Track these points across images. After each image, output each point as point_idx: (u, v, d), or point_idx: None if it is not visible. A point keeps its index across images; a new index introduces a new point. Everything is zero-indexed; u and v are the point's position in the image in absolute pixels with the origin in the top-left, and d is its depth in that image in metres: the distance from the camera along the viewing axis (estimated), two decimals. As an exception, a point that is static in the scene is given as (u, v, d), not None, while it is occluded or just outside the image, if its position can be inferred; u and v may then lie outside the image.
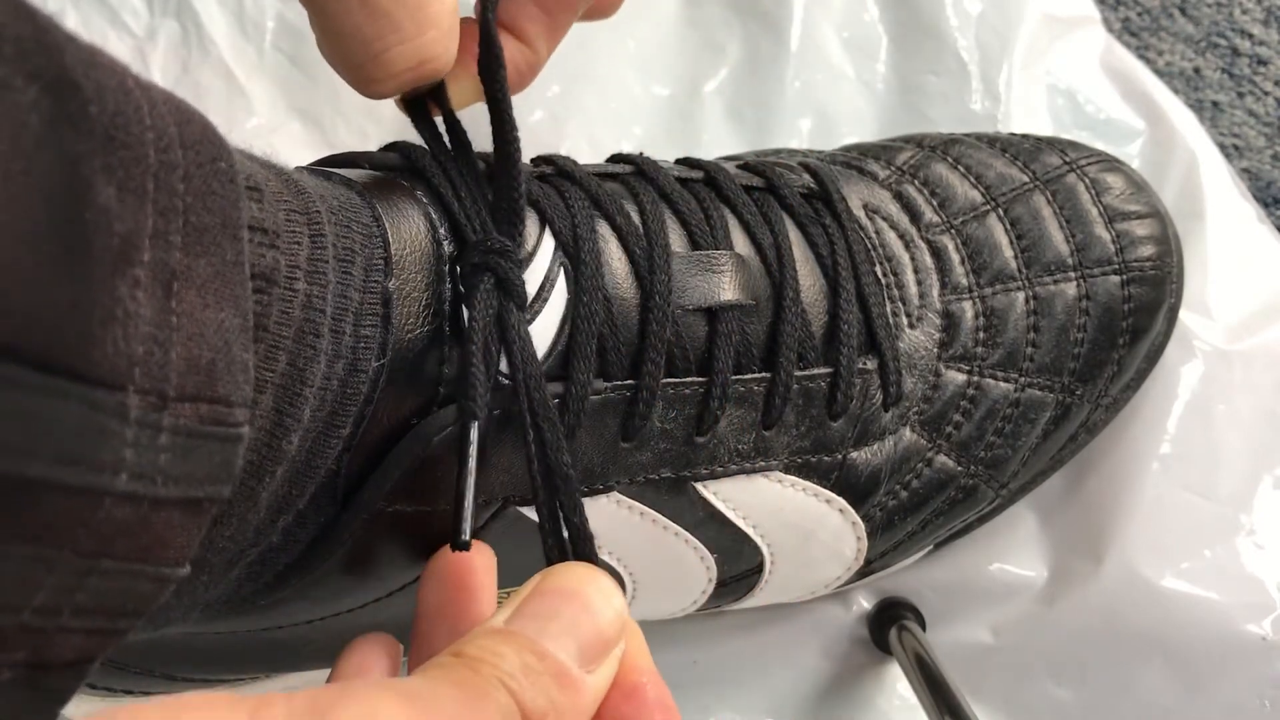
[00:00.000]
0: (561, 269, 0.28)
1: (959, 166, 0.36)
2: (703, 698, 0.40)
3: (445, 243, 0.27)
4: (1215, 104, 0.53)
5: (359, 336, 0.25)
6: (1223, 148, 0.47)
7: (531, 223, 0.29)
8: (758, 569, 0.34)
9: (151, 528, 0.18)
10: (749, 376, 0.31)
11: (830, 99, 0.45)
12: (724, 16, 0.46)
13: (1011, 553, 0.40)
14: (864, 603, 0.40)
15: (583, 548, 0.25)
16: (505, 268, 0.26)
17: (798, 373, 0.31)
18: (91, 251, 0.17)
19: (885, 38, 0.46)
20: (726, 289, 0.30)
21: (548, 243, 0.28)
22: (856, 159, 0.37)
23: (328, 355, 0.24)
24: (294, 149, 0.44)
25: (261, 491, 0.23)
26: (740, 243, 0.31)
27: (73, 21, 0.43)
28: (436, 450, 0.26)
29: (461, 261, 0.26)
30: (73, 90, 0.17)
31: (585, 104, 0.45)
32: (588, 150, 0.44)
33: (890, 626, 0.39)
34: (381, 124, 0.44)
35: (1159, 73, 0.46)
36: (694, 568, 0.33)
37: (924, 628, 0.39)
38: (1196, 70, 0.53)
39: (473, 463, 0.25)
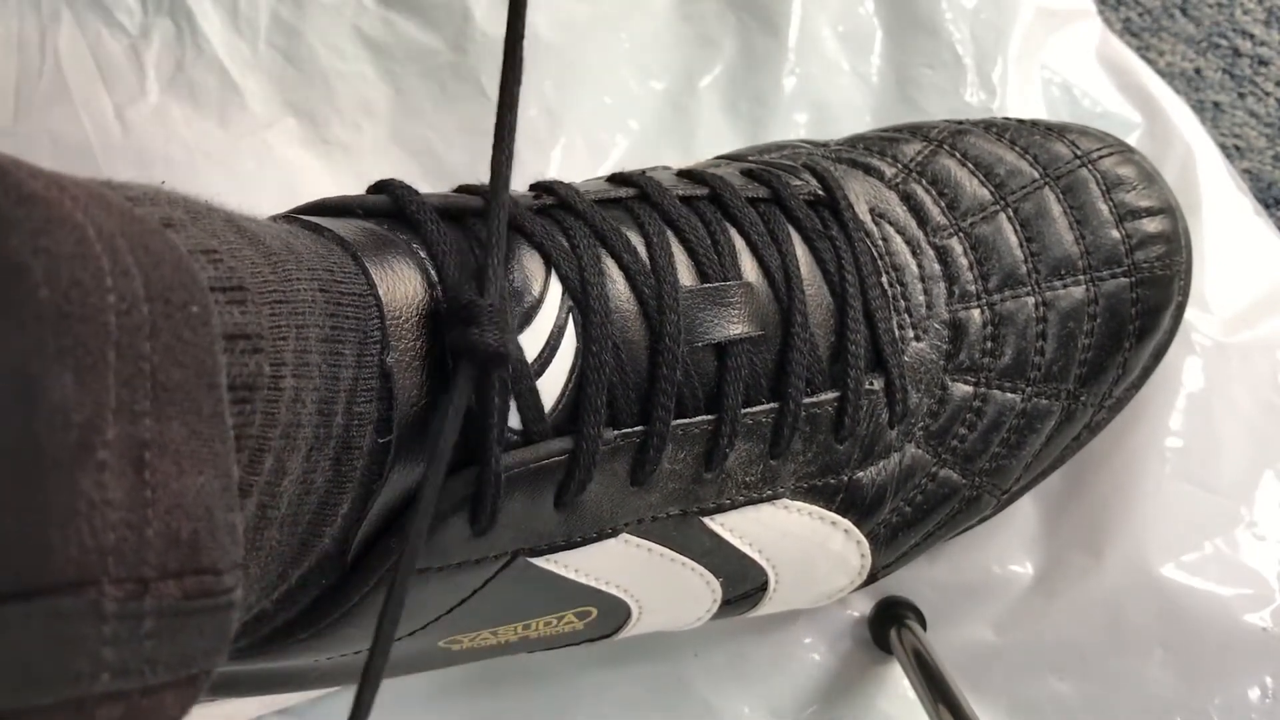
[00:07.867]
0: (570, 316, 0.27)
1: (967, 162, 0.35)
2: (704, 696, 0.39)
3: (444, 304, 0.25)
4: (1216, 104, 0.53)
5: (352, 415, 0.24)
6: (1224, 148, 0.47)
7: (536, 265, 0.27)
8: (762, 588, 0.34)
9: (140, 713, 0.17)
10: (757, 409, 0.30)
11: (826, 93, 0.45)
12: (719, 11, 0.46)
13: (1011, 548, 0.40)
14: (864, 603, 0.40)
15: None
16: (486, 345, 0.24)
17: (806, 400, 0.30)
18: (45, 453, 0.16)
19: (880, 31, 0.46)
20: (736, 322, 0.29)
21: (554, 288, 0.27)
22: (862, 155, 0.36)
23: (311, 443, 0.23)
24: (288, 145, 0.44)
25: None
26: (748, 265, 0.30)
27: (67, 22, 0.43)
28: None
29: (448, 337, 0.25)
30: (18, 277, 0.16)
31: (580, 100, 0.44)
32: (583, 146, 0.44)
33: (891, 626, 0.38)
34: (375, 119, 0.44)
35: (1160, 73, 0.45)
36: (699, 591, 0.33)
37: (924, 627, 0.39)
38: (1197, 71, 0.53)
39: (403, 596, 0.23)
